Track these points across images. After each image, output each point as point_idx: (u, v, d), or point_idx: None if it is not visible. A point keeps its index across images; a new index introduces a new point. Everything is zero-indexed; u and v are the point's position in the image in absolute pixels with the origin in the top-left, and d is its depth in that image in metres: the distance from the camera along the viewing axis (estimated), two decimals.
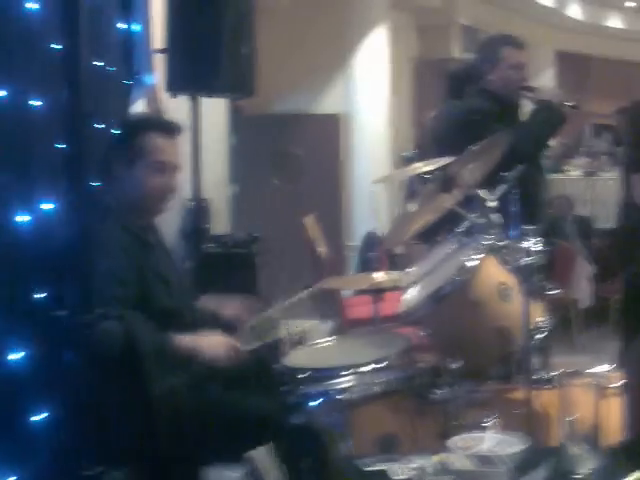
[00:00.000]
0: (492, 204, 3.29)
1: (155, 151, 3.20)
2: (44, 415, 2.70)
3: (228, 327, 3.44)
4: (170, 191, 3.25)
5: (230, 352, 3.03)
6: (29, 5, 2.95)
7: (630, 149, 6.23)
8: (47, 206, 2.89)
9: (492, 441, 2.42)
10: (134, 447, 2.68)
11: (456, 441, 2.41)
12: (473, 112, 4.64)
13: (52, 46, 2.97)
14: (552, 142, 4.86)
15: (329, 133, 9.55)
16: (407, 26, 10.97)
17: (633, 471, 2.15)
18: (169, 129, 3.28)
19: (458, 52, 11.36)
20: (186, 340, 2.99)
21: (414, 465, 2.20)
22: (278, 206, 9.10)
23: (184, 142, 3.65)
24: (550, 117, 4.48)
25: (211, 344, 3.03)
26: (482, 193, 3.34)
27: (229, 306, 3.48)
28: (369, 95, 9.48)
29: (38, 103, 2.95)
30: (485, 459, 2.25)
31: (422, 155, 4.68)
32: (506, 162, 3.57)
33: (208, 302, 3.50)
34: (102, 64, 3.72)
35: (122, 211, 3.18)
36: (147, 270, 3.11)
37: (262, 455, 2.33)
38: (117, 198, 3.20)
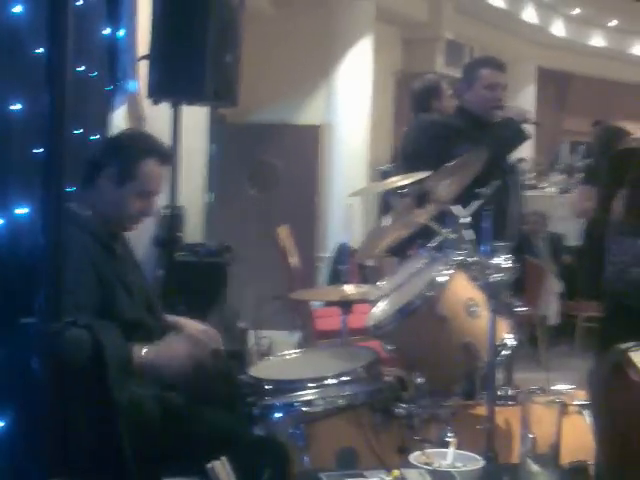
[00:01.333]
0: (465, 220, 3.32)
1: (148, 179, 3.23)
2: (5, 423, 2.70)
3: None
4: (147, 215, 3.30)
5: (194, 352, 3.03)
6: (13, 9, 2.97)
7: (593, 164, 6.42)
8: (21, 211, 2.91)
9: (452, 457, 2.45)
10: (95, 457, 2.69)
11: (416, 456, 2.43)
12: (439, 125, 4.81)
13: (33, 50, 2.99)
14: (528, 159, 5.00)
15: (308, 144, 9.57)
16: (392, 39, 11.02)
17: None
18: (165, 157, 3.31)
19: (442, 66, 11.42)
20: (149, 352, 2.99)
21: (374, 479, 2.23)
22: (253, 216, 9.12)
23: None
24: (504, 134, 4.66)
25: (173, 353, 3.02)
26: (456, 209, 3.37)
27: (189, 327, 3.50)
28: (350, 107, 9.51)
29: (17, 107, 2.96)
30: (445, 475, 2.28)
31: (398, 169, 4.75)
32: (480, 178, 3.64)
33: (171, 317, 3.52)
34: (84, 69, 3.74)
35: (94, 220, 3.19)
36: (112, 279, 3.11)
37: (223, 466, 2.35)
38: (94, 208, 3.21)
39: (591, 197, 5.94)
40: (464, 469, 2.39)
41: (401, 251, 4.08)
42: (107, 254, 3.18)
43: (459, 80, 5.05)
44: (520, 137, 4.76)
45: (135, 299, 3.21)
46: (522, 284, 4.66)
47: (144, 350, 2.97)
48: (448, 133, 4.70)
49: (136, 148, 3.30)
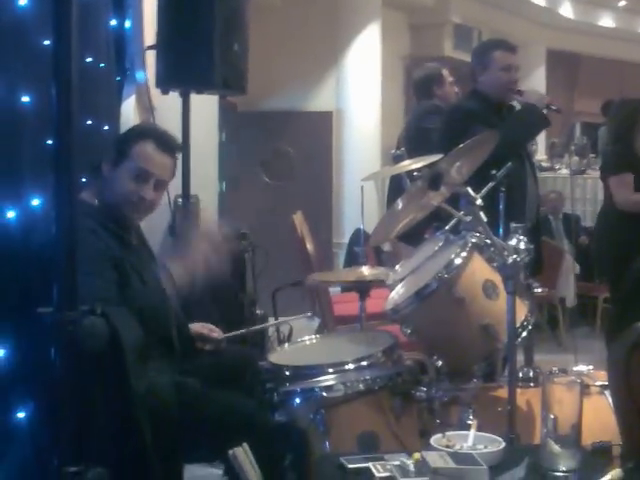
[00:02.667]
0: (479, 202, 3.30)
1: (142, 160, 3.21)
2: (26, 412, 2.71)
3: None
4: (146, 202, 3.24)
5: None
6: (19, 2, 2.97)
7: (610, 146, 6.26)
8: (34, 202, 2.91)
9: (473, 439, 2.44)
10: (116, 444, 2.69)
11: (437, 439, 2.42)
12: (458, 111, 4.77)
13: (42, 42, 2.99)
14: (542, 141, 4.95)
15: (320, 130, 9.57)
16: (399, 24, 10.99)
17: (611, 469, 2.18)
18: (164, 143, 3.28)
19: (450, 50, 11.38)
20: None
21: (395, 463, 2.22)
22: (268, 203, 9.12)
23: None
24: (528, 121, 4.67)
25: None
26: (470, 191, 3.35)
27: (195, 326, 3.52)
28: (361, 93, 9.51)
29: (27, 99, 2.96)
30: (466, 457, 2.26)
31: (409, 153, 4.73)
32: (494, 160, 3.62)
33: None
34: (92, 60, 3.73)
35: (104, 209, 3.20)
36: (126, 267, 3.12)
37: (244, 453, 2.34)
38: (102, 197, 3.22)
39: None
40: (485, 451, 2.37)
41: (414, 236, 4.07)
42: (119, 243, 3.19)
43: (471, 63, 5.01)
44: (543, 123, 4.74)
45: (150, 287, 3.22)
46: (540, 265, 4.65)
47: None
48: (464, 116, 4.68)
49: (132, 132, 3.32)
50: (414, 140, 5.98)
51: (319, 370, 2.98)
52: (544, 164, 11.12)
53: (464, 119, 4.63)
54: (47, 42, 2.95)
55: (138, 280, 3.17)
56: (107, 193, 3.22)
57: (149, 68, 4.81)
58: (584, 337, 8.09)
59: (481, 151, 3.43)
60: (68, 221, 2.19)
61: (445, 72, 6.36)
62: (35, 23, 3.00)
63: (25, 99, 2.96)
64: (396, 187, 5.36)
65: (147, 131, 3.35)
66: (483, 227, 3.18)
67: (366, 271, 4.02)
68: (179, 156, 3.41)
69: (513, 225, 3.30)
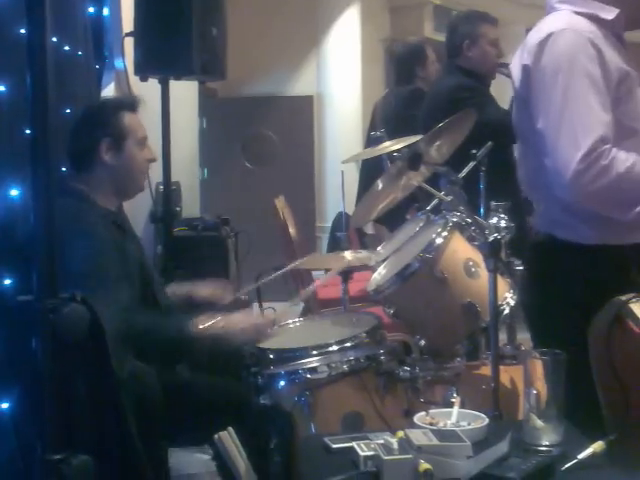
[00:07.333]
0: (460, 181, 3.31)
1: (137, 128, 3.31)
2: (10, 402, 2.72)
3: (202, 309, 3.48)
4: (154, 160, 3.46)
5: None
6: None
7: None
8: (13, 192, 2.91)
9: (456, 416, 2.45)
10: (100, 430, 2.70)
11: (420, 417, 2.43)
12: (463, 89, 4.59)
13: (17, 30, 2.98)
14: None
15: (301, 115, 9.58)
16: (379, 7, 10.96)
17: (593, 442, 2.19)
18: (135, 105, 3.39)
19: (430, 32, 11.37)
20: (212, 323, 3.04)
21: (379, 441, 2.22)
22: (250, 188, 9.13)
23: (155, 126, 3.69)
24: None
25: (240, 322, 3.10)
26: (450, 170, 3.35)
27: (202, 289, 3.52)
28: (341, 76, 9.52)
29: (3, 88, 2.95)
30: (449, 434, 2.27)
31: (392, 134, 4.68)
32: (485, 139, 3.62)
33: (179, 288, 3.55)
34: (70, 49, 3.72)
35: (100, 197, 3.21)
36: (128, 256, 3.15)
37: (229, 437, 2.35)
38: (102, 186, 3.23)
39: None
40: (468, 427, 2.39)
41: (394, 218, 4.05)
42: (120, 231, 3.23)
43: (453, 38, 4.84)
44: None
45: (145, 273, 3.24)
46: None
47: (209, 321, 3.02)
48: (476, 94, 4.54)
49: (111, 110, 3.35)
50: (401, 127, 5.88)
51: (303, 352, 2.98)
52: None
53: (476, 96, 4.47)
54: (23, 31, 2.94)
55: (137, 266, 3.21)
56: (121, 176, 3.28)
57: (128, 55, 4.79)
58: None
59: (461, 130, 3.43)
60: (46, 209, 2.18)
61: (429, 50, 6.03)
62: (10, 12, 2.99)
63: (1, 88, 2.95)
64: (370, 169, 5.29)
65: (120, 103, 3.43)
66: (464, 206, 3.19)
67: (349, 256, 4.03)
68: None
69: (493, 203, 3.32)
